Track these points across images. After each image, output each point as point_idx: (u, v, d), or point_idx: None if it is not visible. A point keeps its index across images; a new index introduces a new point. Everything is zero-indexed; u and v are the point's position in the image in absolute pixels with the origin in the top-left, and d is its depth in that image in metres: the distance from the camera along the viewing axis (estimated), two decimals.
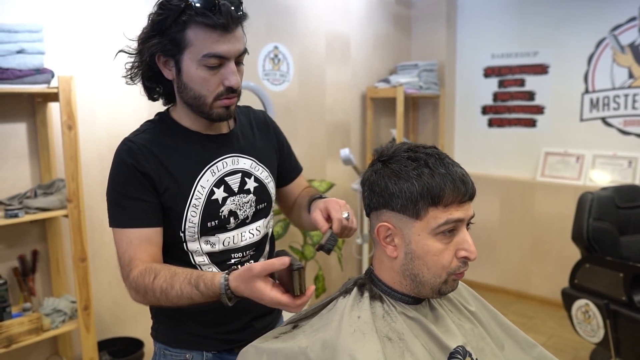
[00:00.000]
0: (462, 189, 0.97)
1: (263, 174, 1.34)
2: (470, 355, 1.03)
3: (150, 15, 1.18)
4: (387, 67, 4.38)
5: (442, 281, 1.00)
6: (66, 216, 2.30)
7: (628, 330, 2.40)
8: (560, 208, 3.93)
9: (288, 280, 0.99)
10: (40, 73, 2.17)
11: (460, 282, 1.18)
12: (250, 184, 1.30)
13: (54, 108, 2.45)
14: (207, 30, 1.11)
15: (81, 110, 2.51)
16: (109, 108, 2.68)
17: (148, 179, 1.18)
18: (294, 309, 1.01)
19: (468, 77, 4.50)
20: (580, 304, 2.64)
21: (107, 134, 2.69)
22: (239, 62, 1.19)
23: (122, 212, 1.18)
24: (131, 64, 1.24)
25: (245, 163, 1.30)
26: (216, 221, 1.24)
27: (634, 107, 3.70)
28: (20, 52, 2.11)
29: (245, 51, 1.19)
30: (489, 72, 4.38)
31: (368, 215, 1.07)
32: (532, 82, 4.16)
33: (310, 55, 3.70)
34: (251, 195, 1.30)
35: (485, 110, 4.43)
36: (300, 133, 3.69)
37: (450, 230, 0.97)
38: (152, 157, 1.19)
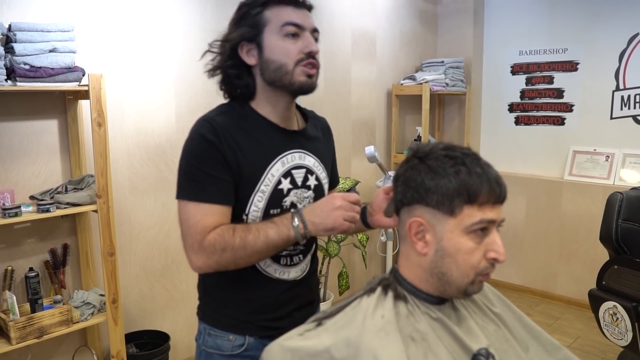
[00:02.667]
0: (497, 190, 0.98)
1: (322, 174, 1.41)
2: (493, 357, 1.02)
3: (232, 20, 1.31)
4: (413, 64, 4.35)
5: (469, 281, 1.00)
6: (95, 211, 2.35)
7: None
8: (588, 208, 3.87)
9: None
10: (72, 71, 2.22)
11: (485, 283, 1.17)
12: (312, 181, 1.37)
13: (84, 105, 2.50)
14: (282, 6, 1.25)
15: (111, 107, 2.56)
16: (138, 106, 2.72)
17: (226, 159, 1.23)
18: (356, 204, 1.20)
19: (495, 74, 4.45)
20: (608, 305, 2.60)
21: (135, 131, 2.74)
22: (314, 37, 1.29)
23: (199, 186, 1.22)
24: (212, 59, 1.33)
25: (309, 161, 1.37)
26: (278, 210, 1.30)
27: None
28: (52, 51, 2.16)
29: (317, 30, 1.30)
30: (516, 69, 4.32)
31: (398, 211, 1.08)
32: (560, 79, 4.10)
33: (336, 51, 3.70)
34: (311, 191, 1.37)
35: (512, 107, 4.38)
36: None
37: (482, 230, 0.98)
38: (231, 139, 1.24)
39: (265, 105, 1.32)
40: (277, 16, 1.24)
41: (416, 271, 1.04)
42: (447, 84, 4.08)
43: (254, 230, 1.19)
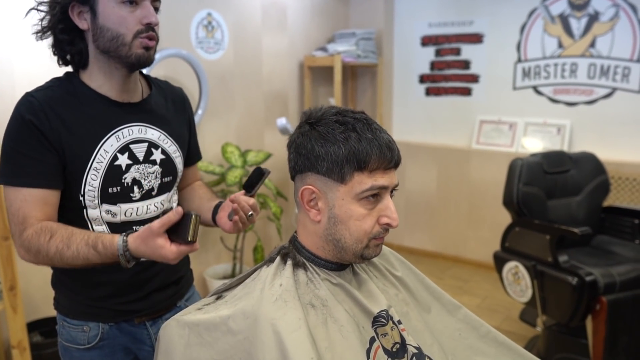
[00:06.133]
0: (388, 156, 0.97)
1: (171, 147, 1.33)
2: (392, 319, 1.04)
3: None
4: (324, 35, 4.33)
5: (364, 246, 1.00)
6: None
7: (553, 289, 2.51)
8: (494, 174, 4.05)
9: (184, 227, 1.01)
10: None
11: (386, 247, 1.18)
12: (157, 155, 1.29)
13: None
14: None
15: None
16: (30, 77, 2.52)
17: (47, 138, 1.14)
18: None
19: (406, 46, 4.52)
20: (510, 266, 2.74)
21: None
22: (155, 7, 1.19)
23: (17, 170, 1.14)
24: (41, 19, 1.20)
25: (153, 134, 1.29)
26: (118, 188, 1.23)
27: (562, 76, 3.82)
28: None
29: None
30: (426, 41, 4.41)
31: (293, 178, 1.06)
32: (467, 51, 4.22)
33: (245, 22, 3.61)
34: (157, 166, 1.29)
35: (422, 79, 4.47)
36: (237, 103, 3.62)
37: (374, 196, 0.97)
38: (53, 116, 1.15)
39: (98, 77, 1.22)
40: None
41: (313, 238, 1.03)
42: (359, 56, 4.09)
43: (73, 248, 1.09)
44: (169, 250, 1.01)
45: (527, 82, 3.97)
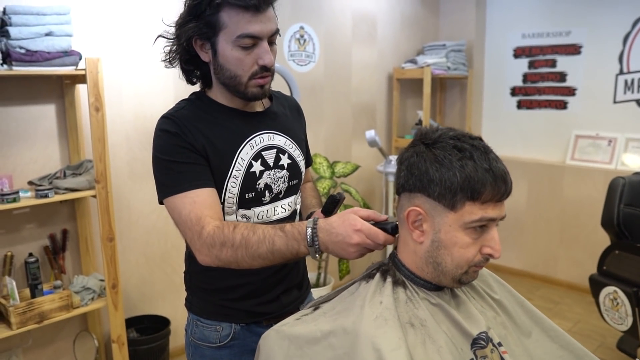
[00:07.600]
0: (502, 188, 0.95)
1: (295, 152, 1.39)
2: (492, 341, 1.01)
3: (186, 1, 1.22)
4: (414, 47, 4.31)
5: (463, 272, 0.99)
6: (94, 196, 2.34)
7: None
8: (590, 192, 3.85)
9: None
10: (68, 55, 2.19)
11: (485, 269, 1.16)
12: (284, 160, 1.35)
13: (82, 90, 2.48)
14: (240, 12, 1.14)
15: (109, 92, 2.54)
16: (136, 90, 2.70)
17: (195, 146, 1.21)
18: (379, 245, 1.03)
19: (497, 58, 4.40)
20: (608, 290, 2.59)
21: (134, 115, 2.72)
22: (271, 42, 1.23)
23: (177, 178, 1.18)
24: (169, 48, 1.28)
25: (279, 140, 1.35)
26: (253, 193, 1.29)
27: None
28: (48, 34, 2.13)
29: (277, 31, 1.23)
30: (519, 53, 4.27)
31: (399, 193, 1.05)
32: (563, 63, 4.05)
33: (336, 35, 3.66)
34: (285, 171, 1.35)
35: (514, 91, 4.34)
36: (326, 114, 3.67)
37: (481, 226, 0.96)
38: (195, 130, 1.22)
39: (222, 97, 1.30)
40: (234, 23, 1.16)
41: (413, 258, 1.03)
42: (448, 68, 4.04)
43: (259, 232, 1.08)
44: (361, 222, 1.01)
45: (630, 95, 3.75)
